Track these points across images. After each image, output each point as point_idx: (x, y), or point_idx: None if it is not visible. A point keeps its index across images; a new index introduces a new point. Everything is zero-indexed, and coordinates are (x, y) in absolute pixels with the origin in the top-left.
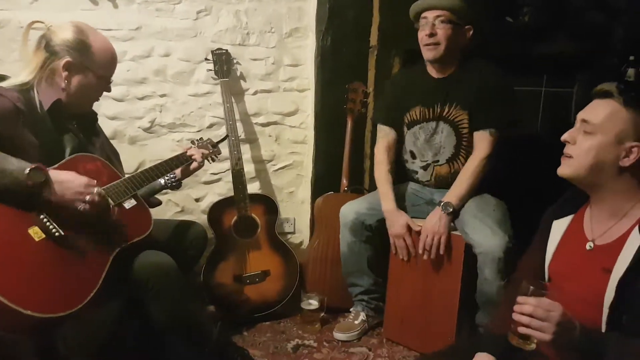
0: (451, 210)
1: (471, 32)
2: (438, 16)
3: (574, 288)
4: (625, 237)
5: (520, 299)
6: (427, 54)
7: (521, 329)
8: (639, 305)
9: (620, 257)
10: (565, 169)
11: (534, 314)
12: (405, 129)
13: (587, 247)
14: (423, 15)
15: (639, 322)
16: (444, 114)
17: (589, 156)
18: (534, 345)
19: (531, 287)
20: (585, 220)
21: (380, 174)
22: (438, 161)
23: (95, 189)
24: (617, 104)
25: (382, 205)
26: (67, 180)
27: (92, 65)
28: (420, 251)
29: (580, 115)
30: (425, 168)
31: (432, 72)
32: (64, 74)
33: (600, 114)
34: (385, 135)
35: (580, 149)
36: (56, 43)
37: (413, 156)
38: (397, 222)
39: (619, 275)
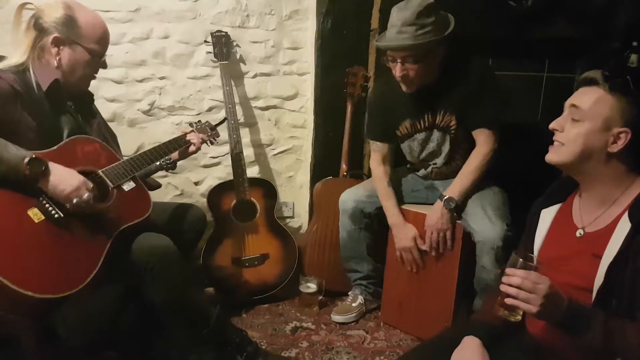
0: (453, 205)
1: (445, 50)
2: (404, 57)
3: (564, 275)
4: (615, 224)
5: (508, 270)
6: (403, 86)
7: (508, 300)
8: (627, 289)
9: (610, 243)
10: (553, 156)
11: (522, 286)
12: (399, 142)
13: (578, 235)
14: (389, 53)
15: (627, 305)
16: (437, 122)
17: (578, 143)
18: (519, 317)
19: (520, 259)
20: (574, 208)
21: (381, 189)
22: (436, 164)
23: (86, 195)
24: (603, 90)
25: (388, 218)
26: (63, 176)
27: (80, 39)
28: (427, 249)
29: (570, 100)
30: (425, 168)
31: None
32: (54, 50)
33: (587, 101)
34: (378, 149)
35: (569, 136)
36: (44, 21)
37: (412, 163)
38: (405, 235)
39: (609, 261)
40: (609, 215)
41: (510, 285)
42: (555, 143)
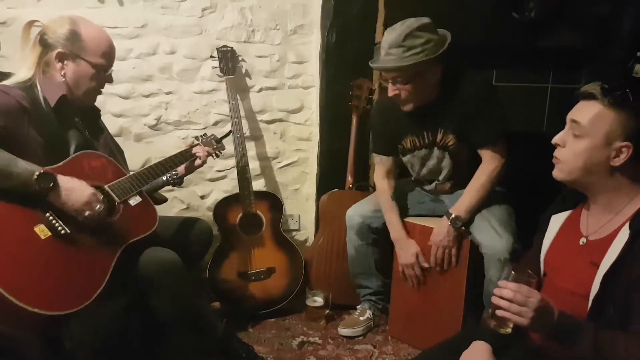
0: (460, 224)
1: (440, 69)
2: (395, 78)
3: (565, 281)
4: (616, 233)
5: (501, 283)
6: (401, 107)
7: (499, 312)
8: (623, 298)
9: (609, 251)
10: (558, 173)
11: (514, 299)
12: (400, 156)
13: (581, 242)
14: (382, 74)
15: (623, 314)
16: (437, 140)
17: (580, 159)
18: (509, 330)
19: (512, 272)
20: (582, 216)
21: (384, 202)
22: (439, 180)
23: (98, 206)
24: (602, 105)
25: (390, 233)
26: (73, 189)
27: (84, 54)
28: (432, 265)
29: (570, 115)
30: (429, 183)
31: None
32: (58, 64)
33: (586, 116)
34: (382, 162)
35: (570, 153)
36: (49, 36)
37: (415, 177)
38: (407, 251)
39: (605, 269)
40: (611, 225)
41: (502, 298)
42: (555, 160)
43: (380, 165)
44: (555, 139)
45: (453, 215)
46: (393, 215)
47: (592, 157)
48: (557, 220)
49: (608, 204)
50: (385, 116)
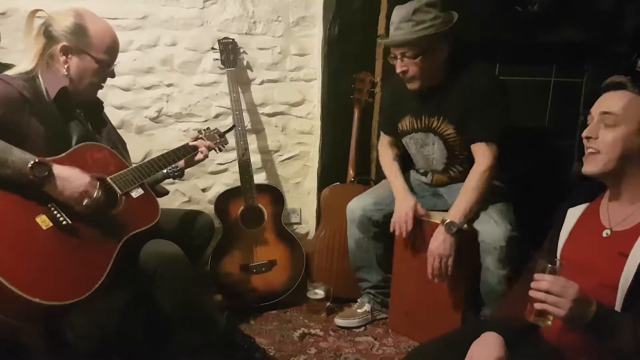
0: (455, 230)
1: (447, 50)
2: (403, 53)
3: (587, 274)
4: None
5: (537, 275)
6: (407, 85)
7: (537, 305)
8: None
9: (638, 241)
10: (593, 167)
11: (551, 290)
12: (400, 137)
13: (604, 235)
14: (392, 51)
15: None
16: (433, 126)
17: (617, 148)
18: (549, 322)
19: (549, 265)
20: (601, 208)
21: (386, 162)
22: (435, 170)
23: (95, 193)
24: (632, 93)
25: (392, 186)
26: (68, 178)
27: (89, 49)
28: (430, 277)
29: (599, 108)
30: (425, 174)
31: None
32: (62, 58)
33: (619, 105)
34: (384, 137)
35: (605, 143)
36: (54, 29)
37: (413, 162)
38: (405, 201)
39: (637, 260)
40: (637, 216)
41: (539, 290)
42: (589, 151)
43: (383, 137)
44: (587, 132)
45: (448, 221)
46: (395, 172)
47: (628, 144)
48: (574, 214)
49: (633, 194)
50: (393, 95)
